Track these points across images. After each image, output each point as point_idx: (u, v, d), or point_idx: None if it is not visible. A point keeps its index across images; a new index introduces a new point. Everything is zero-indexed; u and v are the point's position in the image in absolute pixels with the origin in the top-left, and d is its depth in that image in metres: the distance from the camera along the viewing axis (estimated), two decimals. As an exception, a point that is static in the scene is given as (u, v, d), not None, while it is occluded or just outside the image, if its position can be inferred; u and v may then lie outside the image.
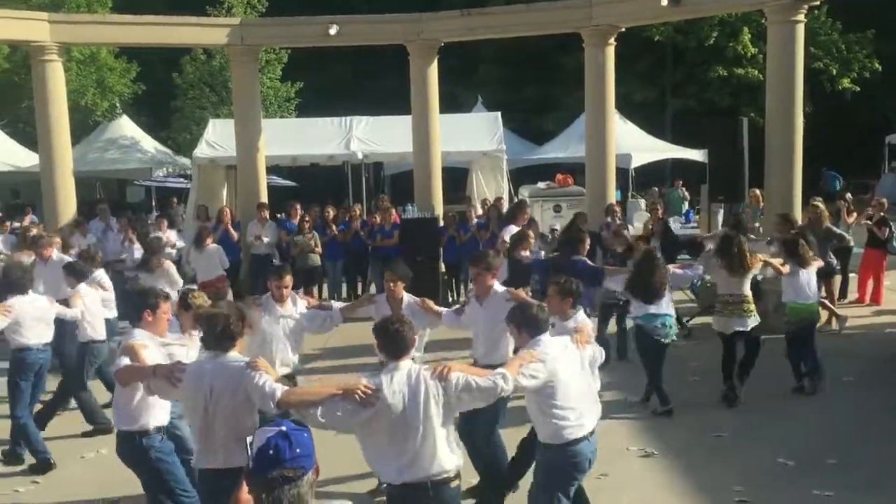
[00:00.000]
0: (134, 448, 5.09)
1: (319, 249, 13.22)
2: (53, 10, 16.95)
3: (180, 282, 10.12)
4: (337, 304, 6.86)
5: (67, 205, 13.46)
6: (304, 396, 4.20)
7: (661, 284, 7.78)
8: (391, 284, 6.40)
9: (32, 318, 7.09)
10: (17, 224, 16.43)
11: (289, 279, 6.45)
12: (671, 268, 8.30)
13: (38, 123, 13.54)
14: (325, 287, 13.60)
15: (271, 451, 2.42)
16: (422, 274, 11.75)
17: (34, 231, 15.74)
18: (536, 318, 4.85)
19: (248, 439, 2.54)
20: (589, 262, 8.49)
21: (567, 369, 4.74)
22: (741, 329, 8.09)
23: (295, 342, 6.44)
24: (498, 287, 6.26)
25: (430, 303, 6.48)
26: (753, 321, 8.12)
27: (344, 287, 13.83)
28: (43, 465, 7.00)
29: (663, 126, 27.86)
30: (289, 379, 6.16)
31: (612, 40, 13.34)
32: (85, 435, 7.73)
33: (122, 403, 5.10)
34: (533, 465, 5.09)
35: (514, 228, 9.75)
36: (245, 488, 2.51)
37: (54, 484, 6.75)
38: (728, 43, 27.10)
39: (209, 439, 4.37)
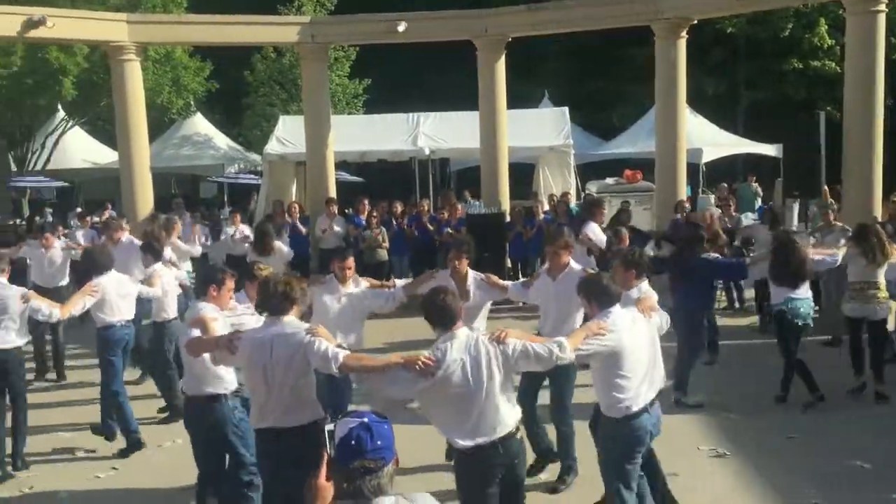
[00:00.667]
0: (202, 412, 5.31)
1: (387, 245, 13.35)
2: (130, 11, 17.45)
3: (290, 254, 10.75)
4: (400, 282, 6.97)
5: (145, 200, 13.86)
6: (365, 362, 4.38)
7: (802, 269, 7.78)
8: (455, 262, 6.44)
9: (117, 295, 7.39)
10: (97, 219, 17.01)
11: (351, 261, 6.61)
12: (812, 251, 8.26)
13: (117, 122, 13.98)
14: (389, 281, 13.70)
15: (353, 442, 2.48)
16: (488, 269, 11.76)
17: (105, 215, 16.41)
18: (608, 289, 4.85)
19: (329, 428, 2.59)
20: (720, 257, 8.59)
21: (635, 342, 4.77)
22: (871, 317, 8.04)
23: (357, 321, 6.61)
24: (574, 265, 6.31)
25: (495, 277, 6.58)
26: (883, 312, 8.05)
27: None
28: (133, 445, 7.27)
29: (735, 120, 27.23)
30: None
31: (683, 33, 13.10)
32: (163, 422, 7.98)
33: (192, 371, 5.31)
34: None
35: (594, 226, 9.50)
36: (323, 475, 2.55)
37: (133, 471, 6.97)
38: (804, 34, 26.33)
39: (267, 401, 4.57)
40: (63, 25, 12.85)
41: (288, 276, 4.96)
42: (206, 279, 5.47)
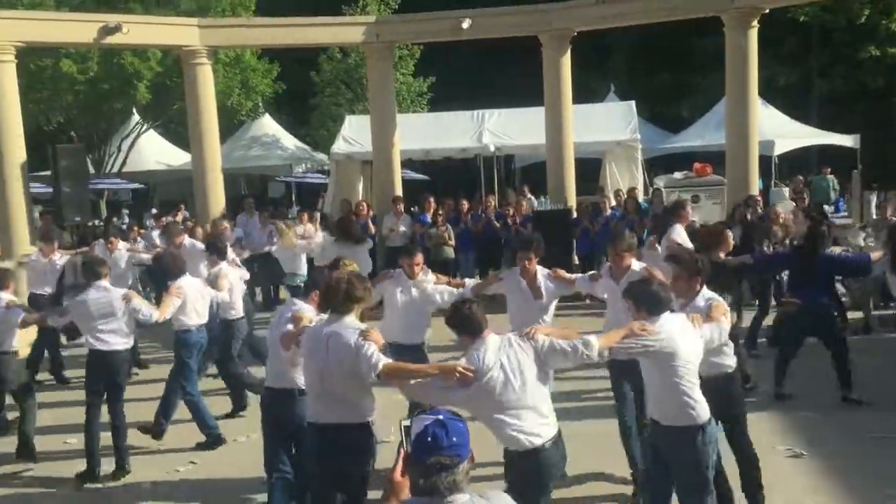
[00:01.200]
0: (280, 401, 5.42)
1: (453, 242, 13.39)
2: (201, 16, 17.87)
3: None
4: (469, 282, 6.99)
5: (217, 201, 14.19)
6: (403, 371, 4.44)
7: None
8: (525, 262, 6.40)
9: (193, 299, 7.58)
10: (170, 219, 17.49)
11: (419, 257, 6.69)
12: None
13: (189, 124, 14.34)
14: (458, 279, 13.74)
15: (429, 439, 2.51)
16: (555, 266, 11.70)
17: (179, 216, 16.83)
18: (658, 295, 4.67)
19: (405, 423, 2.62)
20: (843, 254, 8.37)
21: (689, 349, 4.60)
22: None
23: (424, 316, 6.70)
24: (636, 265, 6.24)
25: (561, 271, 6.55)
26: None
27: (477, 279, 13.92)
28: (214, 441, 7.49)
29: (809, 110, 26.46)
30: (417, 351, 6.48)
31: (754, 22, 12.80)
32: (227, 416, 8.18)
33: (273, 363, 5.47)
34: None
35: (679, 228, 9.05)
36: (398, 469, 2.58)
37: (211, 464, 7.17)
38: (881, 20, 25.40)
39: (321, 397, 4.68)
40: (137, 31, 13.24)
41: (352, 274, 5.01)
42: (312, 284, 5.58)
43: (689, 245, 9.33)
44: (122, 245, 10.67)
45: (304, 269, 11.87)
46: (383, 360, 4.41)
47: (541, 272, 6.47)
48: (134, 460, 7.12)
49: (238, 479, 6.71)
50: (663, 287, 4.89)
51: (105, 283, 6.99)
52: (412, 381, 4.37)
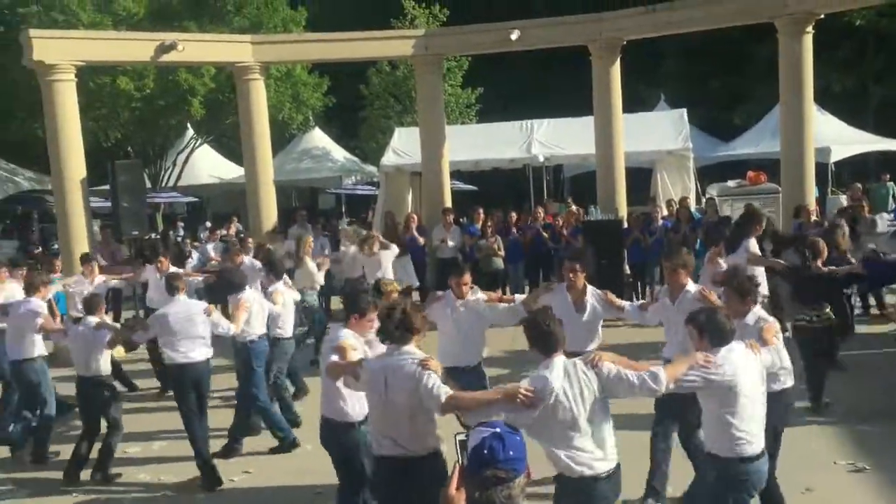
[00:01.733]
0: (335, 435, 5.37)
1: (502, 253, 13.37)
2: (253, 32, 18.21)
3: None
4: (519, 297, 6.95)
5: (269, 213, 14.38)
6: (466, 402, 4.35)
7: None
8: (571, 275, 6.35)
9: (257, 311, 7.76)
10: (223, 231, 17.80)
11: (468, 277, 6.63)
12: None
13: (242, 138, 14.58)
14: (507, 290, 13.73)
15: (485, 452, 2.50)
16: (605, 277, 11.59)
17: (232, 229, 17.11)
18: (723, 326, 4.57)
19: (461, 438, 2.61)
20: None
21: (749, 380, 4.52)
22: None
23: (478, 334, 6.64)
24: (690, 286, 6.10)
25: (613, 296, 6.44)
26: None
27: (527, 290, 13.88)
28: (287, 445, 7.63)
29: (866, 116, 25.86)
30: (475, 372, 6.42)
31: (808, 28, 12.57)
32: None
33: (329, 394, 5.39)
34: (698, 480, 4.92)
35: (753, 243, 8.62)
36: (454, 484, 2.57)
37: (266, 475, 7.25)
38: (940, 24, 24.74)
39: (385, 429, 4.61)
40: (192, 49, 13.53)
41: (406, 303, 4.93)
42: (350, 307, 5.50)
43: (763, 256, 9.11)
44: (173, 268, 10.42)
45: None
46: (444, 394, 4.34)
47: (591, 291, 6.42)
48: (188, 468, 7.21)
49: (293, 486, 6.80)
50: (729, 317, 4.75)
51: (183, 296, 7.23)
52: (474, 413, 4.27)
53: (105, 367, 7.37)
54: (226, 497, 6.82)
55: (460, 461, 2.57)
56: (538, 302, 6.64)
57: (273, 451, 7.65)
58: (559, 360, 4.24)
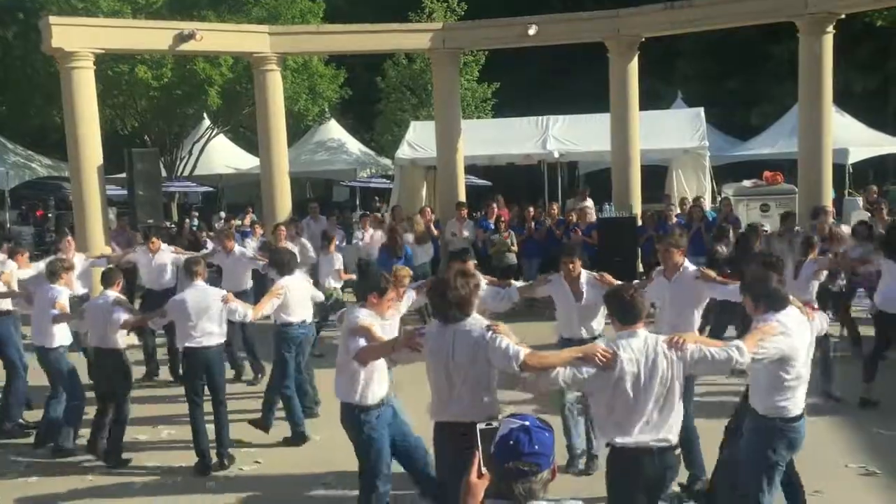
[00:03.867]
0: (352, 418, 5.35)
1: (515, 248, 13.35)
2: (271, 23, 18.23)
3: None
4: (517, 283, 7.03)
5: (283, 204, 14.43)
6: (546, 359, 4.35)
7: None
8: (569, 265, 6.49)
9: (297, 297, 7.76)
10: (238, 222, 17.87)
11: (471, 264, 6.72)
12: None
13: (259, 129, 14.62)
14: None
15: (511, 442, 2.52)
16: (619, 274, 11.54)
17: (248, 219, 17.14)
18: (778, 292, 4.69)
19: (480, 426, 2.64)
20: None
21: (803, 343, 4.67)
22: None
23: None
24: (688, 265, 6.28)
25: (609, 276, 6.53)
26: None
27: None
28: (298, 438, 7.65)
29: (885, 118, 25.65)
30: None
31: (829, 28, 12.46)
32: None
33: (343, 379, 5.35)
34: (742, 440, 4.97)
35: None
36: (475, 472, 2.60)
37: (274, 464, 7.27)
38: (963, 25, 24.47)
39: (449, 395, 4.57)
40: (210, 39, 13.57)
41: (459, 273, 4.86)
42: (369, 286, 5.46)
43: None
44: (164, 246, 10.42)
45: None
46: (523, 351, 4.29)
47: (585, 275, 6.57)
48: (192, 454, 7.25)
49: (299, 476, 6.85)
50: (782, 282, 4.86)
51: (201, 282, 7.20)
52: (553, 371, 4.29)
53: (121, 341, 7.42)
54: (234, 483, 6.85)
55: (480, 449, 2.60)
56: (535, 291, 6.84)
57: (286, 440, 7.67)
58: (641, 332, 4.29)
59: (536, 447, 2.51)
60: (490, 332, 4.40)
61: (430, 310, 4.86)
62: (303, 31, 16.54)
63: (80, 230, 12.54)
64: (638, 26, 13.87)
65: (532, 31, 13.96)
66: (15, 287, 8.77)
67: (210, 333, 7.07)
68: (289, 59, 19.56)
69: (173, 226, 17.27)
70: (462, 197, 14.75)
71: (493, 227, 13.66)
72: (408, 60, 25.50)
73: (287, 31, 15.62)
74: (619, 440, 4.23)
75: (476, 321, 4.54)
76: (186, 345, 7.10)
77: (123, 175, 14.94)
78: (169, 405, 8.79)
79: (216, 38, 13.95)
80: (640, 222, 13.53)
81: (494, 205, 14.53)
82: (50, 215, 23.00)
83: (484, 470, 2.59)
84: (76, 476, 7.11)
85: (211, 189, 26.79)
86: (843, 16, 12.66)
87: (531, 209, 14.22)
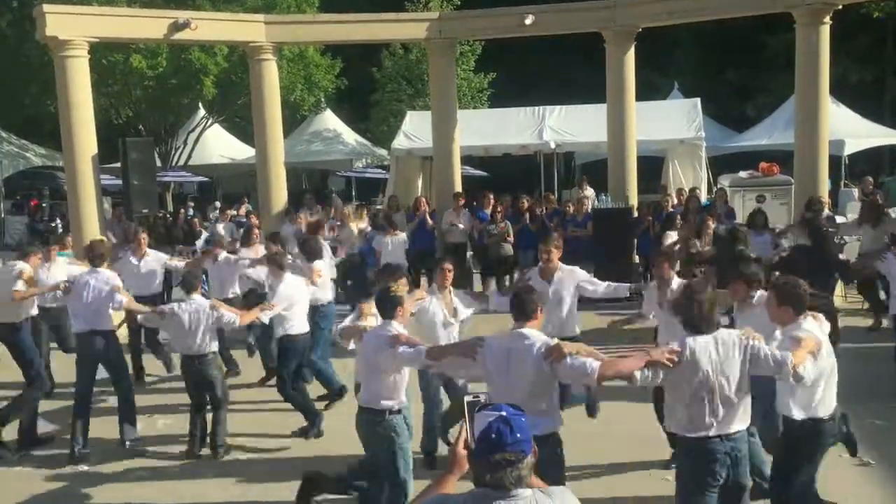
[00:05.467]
0: (370, 424, 5.34)
1: (511, 238, 13.34)
2: (266, 12, 18.15)
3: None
4: (495, 292, 7.37)
5: (279, 194, 14.37)
6: (619, 369, 4.41)
7: None
8: (546, 255, 6.70)
9: (299, 303, 7.87)
10: (234, 212, 17.82)
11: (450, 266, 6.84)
12: None
13: (254, 119, 14.55)
14: (516, 276, 13.71)
15: (493, 436, 2.54)
16: (615, 265, 11.59)
17: (243, 209, 17.08)
18: (803, 294, 4.79)
19: (468, 399, 2.72)
20: None
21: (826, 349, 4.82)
22: None
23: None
24: (676, 280, 6.47)
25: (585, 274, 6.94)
26: None
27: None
28: (335, 395, 8.23)
29: (882, 109, 25.68)
30: None
31: (826, 19, 12.44)
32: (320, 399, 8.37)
33: (368, 383, 5.34)
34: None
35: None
36: (461, 442, 2.67)
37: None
38: (960, 17, 24.52)
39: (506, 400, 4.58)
40: (205, 28, 13.48)
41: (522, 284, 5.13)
42: (393, 303, 5.40)
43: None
44: (151, 252, 9.99)
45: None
46: (596, 364, 4.37)
47: (564, 268, 6.86)
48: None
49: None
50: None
51: (198, 296, 7.33)
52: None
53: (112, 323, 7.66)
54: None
55: (468, 421, 2.66)
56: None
57: (322, 398, 8.21)
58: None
59: (518, 435, 2.54)
60: (554, 352, 4.46)
61: None
62: (299, 21, 16.46)
63: (75, 220, 12.49)
64: (634, 16, 13.83)
65: (529, 20, 13.91)
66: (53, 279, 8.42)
67: (203, 342, 7.18)
68: (284, 49, 19.50)
69: (168, 216, 17.19)
70: (458, 187, 14.72)
71: (488, 217, 13.64)
72: (404, 50, 25.43)
73: (283, 21, 15.54)
74: (689, 434, 4.38)
75: (534, 335, 4.60)
76: (183, 353, 7.32)
77: (118, 165, 14.89)
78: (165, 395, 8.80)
79: (211, 27, 13.86)
80: (635, 213, 13.53)
81: (491, 195, 14.50)
82: (44, 205, 22.94)
83: (471, 441, 2.64)
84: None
85: (206, 179, 26.73)
86: (840, 6, 12.62)
87: (524, 200, 14.16)
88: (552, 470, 4.53)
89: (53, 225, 19.58)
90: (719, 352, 4.31)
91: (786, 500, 4.90)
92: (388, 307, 5.34)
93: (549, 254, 6.76)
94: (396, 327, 5.26)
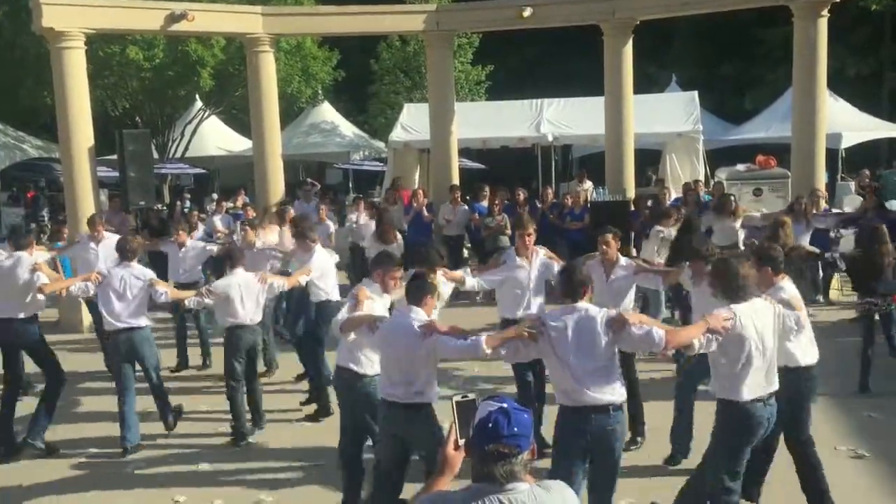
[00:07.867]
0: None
1: (509, 231, 13.33)
2: (264, 4, 18.08)
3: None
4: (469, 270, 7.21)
5: (276, 186, 14.37)
6: (686, 337, 4.68)
7: None
8: (525, 239, 6.77)
9: (330, 273, 8.02)
10: (230, 204, 17.77)
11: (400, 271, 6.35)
12: None
13: (251, 111, 14.53)
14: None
15: (490, 426, 2.52)
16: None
17: (239, 201, 17.04)
18: (777, 256, 5.40)
19: (456, 399, 2.68)
20: None
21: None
22: None
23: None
24: (623, 260, 6.91)
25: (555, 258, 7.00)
26: None
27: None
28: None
29: (879, 103, 25.67)
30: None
31: (824, 12, 12.43)
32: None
33: (416, 376, 5.06)
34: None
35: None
36: (451, 444, 2.63)
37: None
38: (957, 10, 24.49)
39: (572, 380, 4.66)
40: (203, 19, 13.45)
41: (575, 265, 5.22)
42: (424, 290, 5.24)
43: None
44: (189, 242, 10.19)
45: None
46: (664, 332, 4.59)
47: (541, 250, 6.91)
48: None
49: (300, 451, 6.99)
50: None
51: (239, 270, 7.42)
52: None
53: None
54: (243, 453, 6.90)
55: (456, 422, 2.64)
56: (493, 273, 7.01)
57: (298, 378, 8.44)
58: (757, 300, 4.80)
59: (516, 429, 2.51)
60: (621, 321, 4.60)
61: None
62: (296, 13, 16.43)
63: (72, 211, 12.48)
64: (633, 9, 13.81)
65: (527, 13, 13.89)
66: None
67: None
68: (282, 41, 19.42)
69: (165, 208, 17.17)
70: (456, 180, 14.72)
71: (486, 210, 13.64)
72: (401, 42, 25.35)
73: (280, 12, 15.50)
74: (736, 397, 4.71)
75: (593, 308, 4.71)
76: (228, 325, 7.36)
77: (115, 157, 14.85)
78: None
79: (208, 18, 13.82)
80: (633, 207, 13.52)
81: (487, 188, 14.49)
82: (41, 197, 22.89)
83: (461, 442, 2.62)
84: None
85: (203, 171, 26.66)
86: (837, 0, 12.63)
87: (520, 193, 14.14)
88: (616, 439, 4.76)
89: (42, 216, 19.54)
90: (760, 318, 4.72)
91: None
92: (420, 294, 5.09)
93: (530, 236, 6.82)
94: (423, 315, 5.03)
